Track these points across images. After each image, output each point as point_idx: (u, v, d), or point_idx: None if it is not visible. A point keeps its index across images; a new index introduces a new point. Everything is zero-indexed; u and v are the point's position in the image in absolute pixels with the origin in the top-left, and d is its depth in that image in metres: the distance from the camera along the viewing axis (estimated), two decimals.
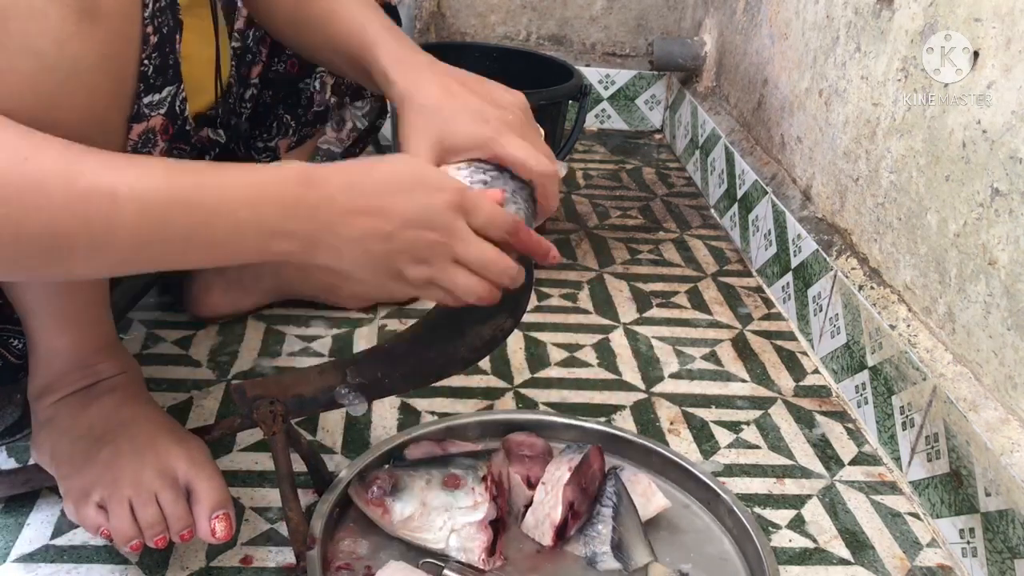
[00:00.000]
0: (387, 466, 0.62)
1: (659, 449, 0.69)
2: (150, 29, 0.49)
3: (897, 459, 0.75)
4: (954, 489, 0.66)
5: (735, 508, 0.62)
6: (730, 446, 0.76)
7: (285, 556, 0.61)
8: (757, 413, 0.81)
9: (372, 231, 0.45)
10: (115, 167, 0.41)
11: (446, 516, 0.58)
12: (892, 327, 0.78)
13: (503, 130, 0.54)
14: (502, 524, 0.60)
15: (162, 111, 0.53)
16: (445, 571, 0.56)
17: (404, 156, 0.49)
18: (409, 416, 0.76)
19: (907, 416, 0.74)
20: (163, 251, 0.43)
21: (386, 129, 1.08)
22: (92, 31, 0.45)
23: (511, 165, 0.53)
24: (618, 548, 0.59)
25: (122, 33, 0.47)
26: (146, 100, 0.51)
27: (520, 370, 0.85)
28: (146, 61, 0.50)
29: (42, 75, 0.43)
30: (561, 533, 0.60)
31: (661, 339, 0.92)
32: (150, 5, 0.49)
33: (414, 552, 0.59)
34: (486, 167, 0.53)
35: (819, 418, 0.82)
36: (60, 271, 0.43)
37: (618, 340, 0.91)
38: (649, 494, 0.63)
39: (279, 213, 0.44)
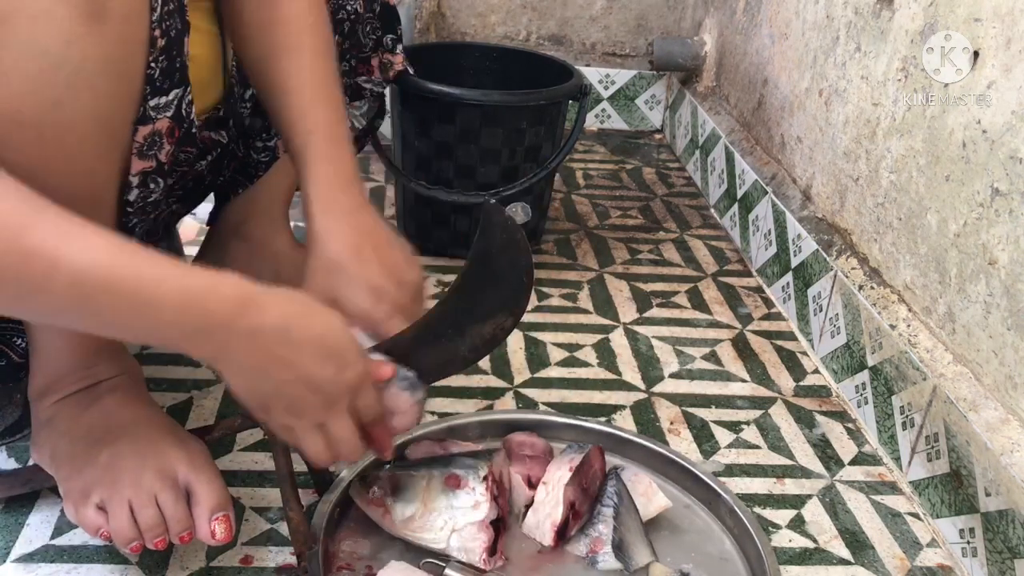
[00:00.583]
0: (388, 466, 0.62)
1: (660, 449, 0.69)
2: (158, 32, 0.49)
3: (897, 459, 0.75)
4: (954, 489, 0.67)
5: (736, 508, 0.63)
6: (730, 446, 0.76)
7: (285, 556, 0.61)
8: (757, 413, 0.81)
9: (271, 373, 0.48)
10: (64, 233, 0.42)
11: (447, 516, 0.58)
12: (892, 327, 0.78)
13: (392, 314, 0.57)
14: (503, 524, 0.60)
15: (168, 114, 0.53)
16: (446, 571, 0.56)
17: (338, 319, 0.51)
18: None
19: (907, 416, 0.74)
20: (79, 320, 0.45)
21: (385, 128, 1.08)
22: (99, 32, 0.45)
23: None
24: (619, 548, 0.59)
25: (130, 35, 0.47)
26: (152, 103, 0.51)
27: (520, 370, 0.85)
28: (153, 64, 0.50)
29: (48, 75, 0.43)
30: (562, 533, 0.60)
31: (661, 339, 0.92)
32: (158, 8, 0.49)
33: (415, 552, 0.59)
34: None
35: (819, 418, 0.82)
36: None
37: (618, 340, 0.91)
38: (650, 494, 0.63)
39: (201, 327, 0.45)
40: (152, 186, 0.56)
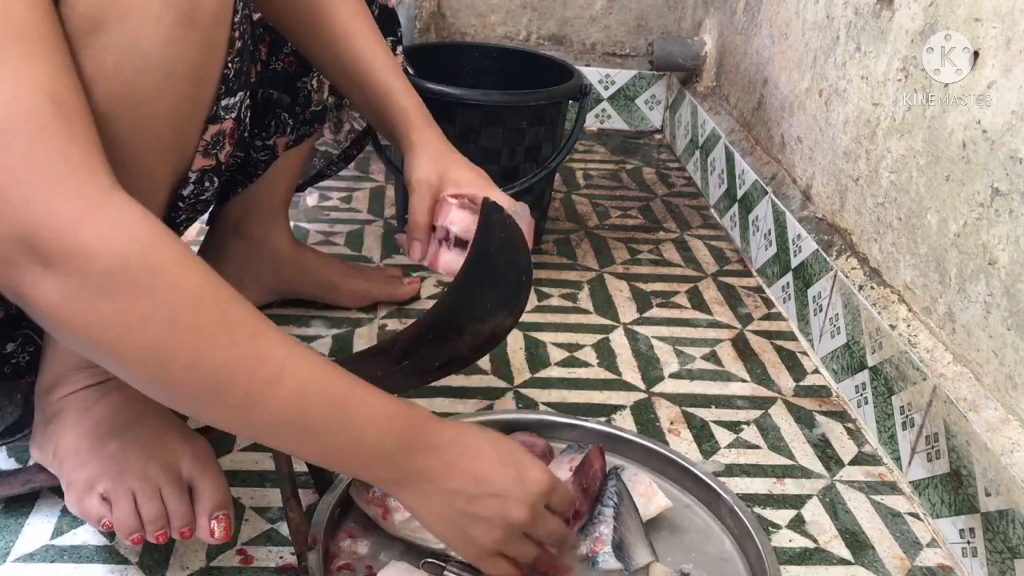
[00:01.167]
0: None
1: (660, 449, 0.69)
2: (237, 34, 0.51)
3: (897, 459, 0.75)
4: (954, 489, 0.67)
5: (736, 508, 0.63)
6: (730, 446, 0.76)
7: (285, 556, 0.61)
8: (757, 413, 0.81)
9: (462, 490, 0.49)
10: (290, 344, 0.44)
11: None
12: (892, 327, 0.78)
13: (494, 184, 0.65)
14: None
15: (233, 115, 0.54)
16: (446, 571, 0.56)
17: (502, 436, 0.53)
18: None
19: (907, 416, 0.74)
20: (290, 434, 0.46)
21: None
22: (191, 36, 0.46)
23: (502, 203, 0.63)
24: (619, 548, 0.59)
25: (216, 38, 0.49)
26: (224, 103, 0.52)
27: (520, 370, 0.85)
28: (229, 65, 0.51)
29: (143, 75, 0.45)
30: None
31: (661, 339, 0.92)
32: (239, 11, 0.50)
33: (415, 552, 0.59)
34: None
35: (819, 418, 0.82)
36: (203, 409, 0.44)
37: (618, 340, 0.91)
38: (650, 494, 0.63)
39: (397, 444, 0.47)
40: (207, 184, 0.57)
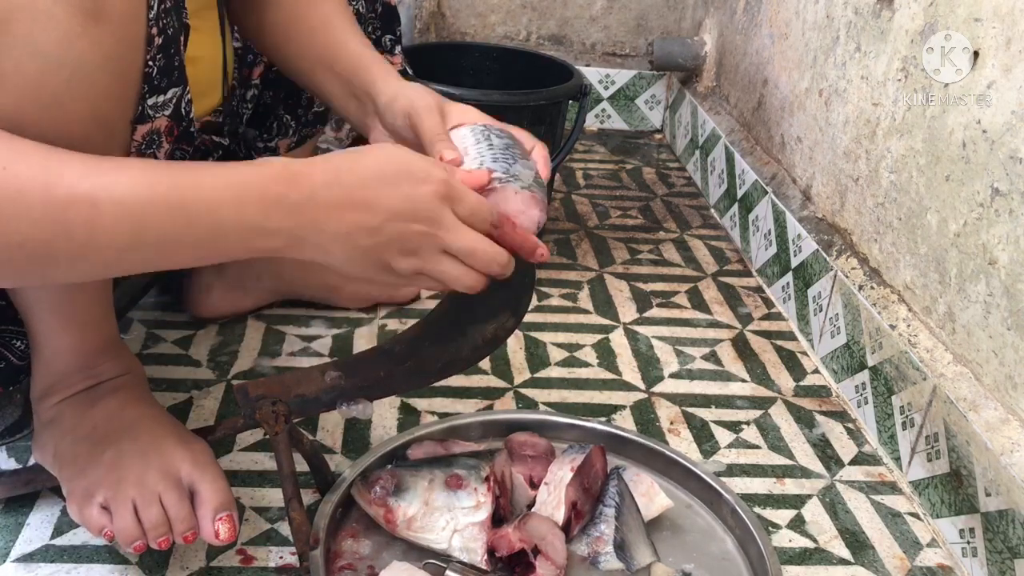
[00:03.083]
0: (390, 466, 0.62)
1: (661, 449, 0.69)
2: (155, 30, 0.49)
3: (897, 459, 0.75)
4: (954, 489, 0.67)
5: (737, 508, 0.63)
6: (730, 446, 0.77)
7: (285, 556, 0.61)
8: (757, 413, 0.82)
9: (358, 226, 0.45)
10: (94, 172, 0.41)
11: (448, 516, 0.58)
12: (892, 327, 0.78)
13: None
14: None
15: (167, 113, 0.53)
16: (447, 571, 0.56)
17: (387, 145, 0.49)
18: (409, 416, 0.76)
19: (907, 416, 0.74)
20: (145, 254, 0.43)
21: None
22: (98, 32, 0.45)
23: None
24: (621, 548, 0.59)
25: (127, 34, 0.47)
26: (150, 102, 0.51)
27: (520, 370, 0.85)
28: (151, 62, 0.50)
29: (47, 76, 0.43)
30: (564, 533, 0.60)
31: (661, 339, 0.92)
32: (155, 7, 0.49)
33: (417, 552, 0.59)
34: (495, 129, 0.53)
35: (819, 418, 0.82)
36: (42, 277, 0.43)
37: (618, 340, 0.91)
38: (652, 494, 0.63)
39: (261, 212, 0.43)
40: None
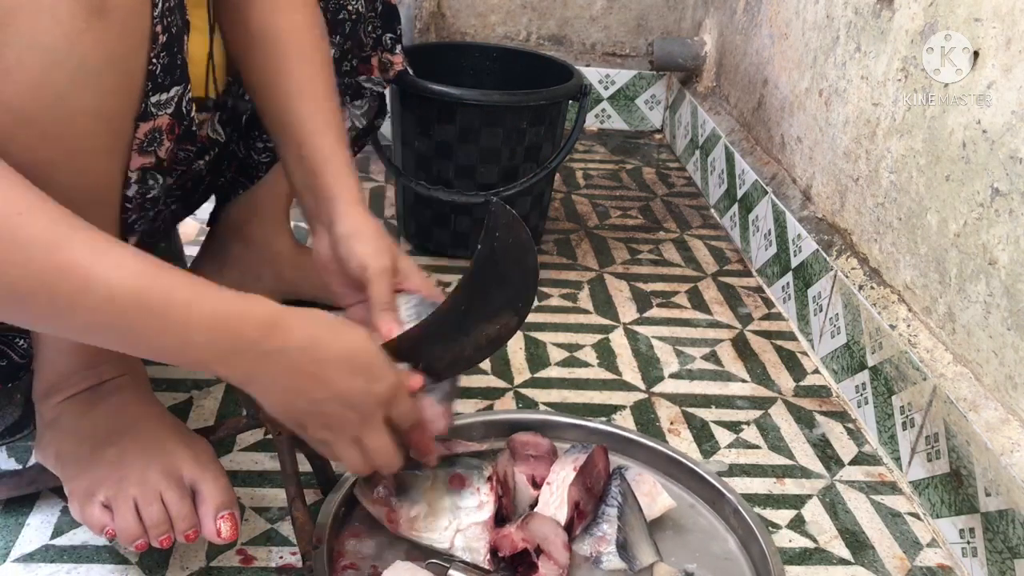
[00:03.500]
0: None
1: (663, 449, 0.69)
2: (159, 28, 0.49)
3: (897, 459, 0.75)
4: (954, 489, 0.67)
5: (740, 508, 0.63)
6: (730, 446, 0.77)
7: (285, 556, 0.61)
8: (757, 413, 0.82)
9: (304, 392, 0.49)
10: (99, 251, 0.42)
11: (451, 516, 0.58)
12: (892, 327, 0.78)
13: (433, 284, 0.62)
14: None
15: (169, 111, 0.53)
16: (450, 571, 0.56)
17: (363, 335, 0.52)
18: None
19: (907, 416, 0.74)
20: (107, 336, 0.45)
21: (386, 128, 1.07)
22: (102, 28, 0.45)
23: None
24: (623, 548, 0.59)
25: (131, 31, 0.47)
26: (153, 99, 0.51)
27: (520, 370, 0.85)
28: (154, 60, 0.50)
29: (51, 72, 0.43)
30: (566, 533, 0.60)
31: (661, 339, 0.92)
32: (159, 4, 0.49)
33: (419, 552, 0.59)
34: (428, 303, 0.59)
35: (819, 418, 0.82)
36: (12, 317, 0.44)
37: (618, 340, 0.91)
38: (654, 494, 0.63)
39: (230, 347, 0.46)
40: (151, 182, 0.56)
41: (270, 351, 0.46)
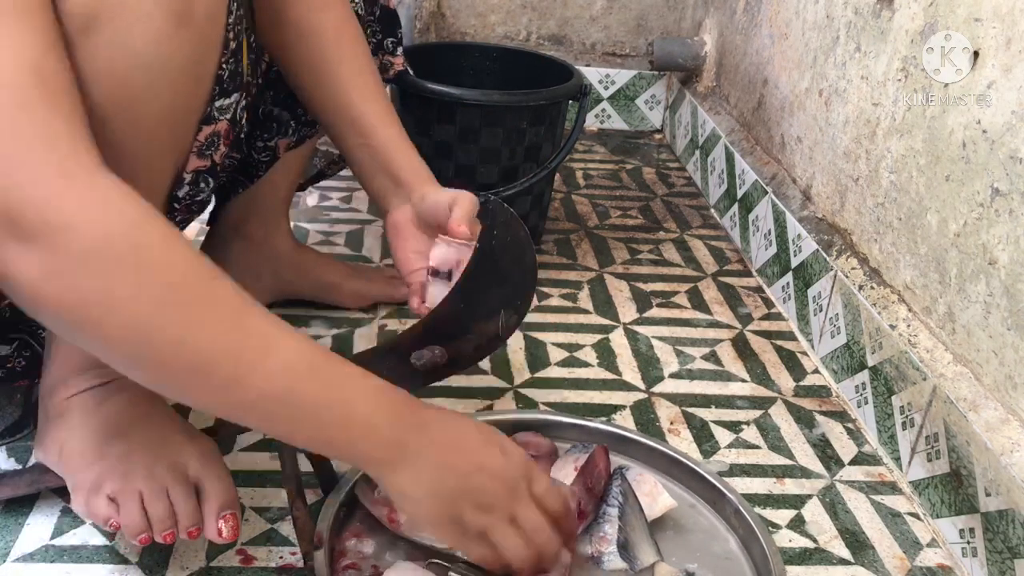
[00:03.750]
0: None
1: (664, 449, 0.69)
2: (231, 35, 0.51)
3: (897, 459, 0.75)
4: (954, 489, 0.67)
5: (741, 508, 0.63)
6: (730, 446, 0.77)
7: (285, 556, 0.60)
8: (757, 413, 0.82)
9: (452, 465, 0.48)
10: (276, 322, 0.44)
11: None
12: (892, 327, 0.78)
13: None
14: None
15: (227, 116, 0.54)
16: (451, 572, 0.56)
17: (482, 422, 0.53)
18: None
19: (907, 416, 0.74)
20: (278, 412, 0.44)
21: None
22: (185, 34, 0.46)
23: None
24: (624, 548, 0.59)
25: (209, 37, 0.49)
26: (217, 104, 0.53)
27: (520, 370, 0.85)
28: (223, 66, 0.51)
29: (135, 73, 0.44)
30: None
31: (661, 339, 0.92)
32: (233, 12, 0.50)
33: (420, 552, 0.59)
34: None
35: (819, 418, 0.82)
36: (188, 389, 0.44)
37: (618, 340, 0.91)
38: (655, 494, 0.63)
39: (388, 420, 0.47)
40: (202, 185, 0.57)
41: (417, 424, 0.48)
